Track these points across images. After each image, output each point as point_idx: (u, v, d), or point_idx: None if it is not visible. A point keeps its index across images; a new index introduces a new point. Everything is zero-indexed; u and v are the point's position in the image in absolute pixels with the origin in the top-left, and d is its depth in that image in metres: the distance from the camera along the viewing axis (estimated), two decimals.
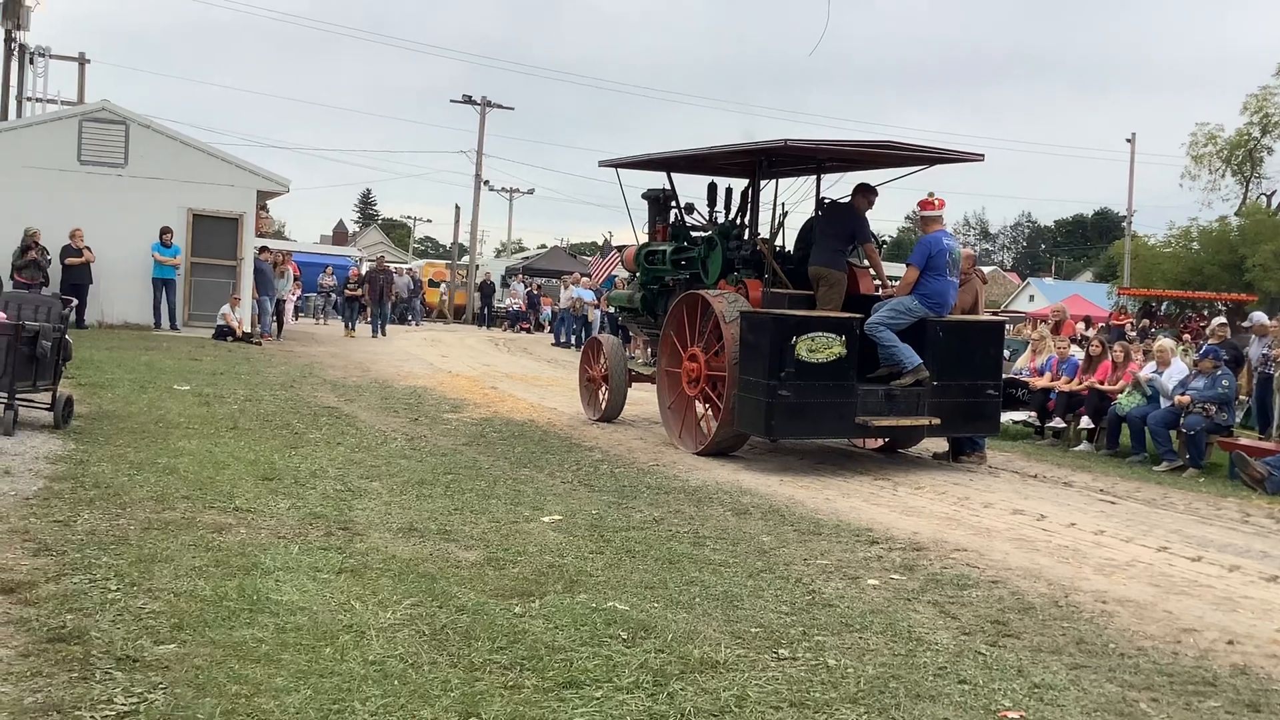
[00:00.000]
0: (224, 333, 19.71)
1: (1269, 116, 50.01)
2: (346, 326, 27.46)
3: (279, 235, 61.96)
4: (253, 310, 21.51)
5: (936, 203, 10.22)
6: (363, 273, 32.26)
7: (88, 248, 19.49)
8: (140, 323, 20.50)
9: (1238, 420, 13.00)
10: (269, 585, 4.99)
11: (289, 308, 26.18)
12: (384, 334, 26.43)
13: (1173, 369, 12.15)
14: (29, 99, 29.74)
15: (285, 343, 21.83)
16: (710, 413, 10.47)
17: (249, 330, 20.54)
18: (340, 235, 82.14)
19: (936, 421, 9.86)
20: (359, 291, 28.41)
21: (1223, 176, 52.80)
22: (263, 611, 4.64)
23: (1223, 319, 17.23)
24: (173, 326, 20.53)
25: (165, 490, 6.87)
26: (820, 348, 9.34)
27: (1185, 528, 8.17)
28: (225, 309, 20.22)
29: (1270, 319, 16.25)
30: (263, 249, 23.01)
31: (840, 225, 10.67)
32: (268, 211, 33.47)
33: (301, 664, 4.10)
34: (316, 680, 3.96)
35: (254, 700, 3.76)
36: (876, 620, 5.13)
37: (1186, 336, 23.78)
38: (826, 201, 11.13)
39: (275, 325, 22.75)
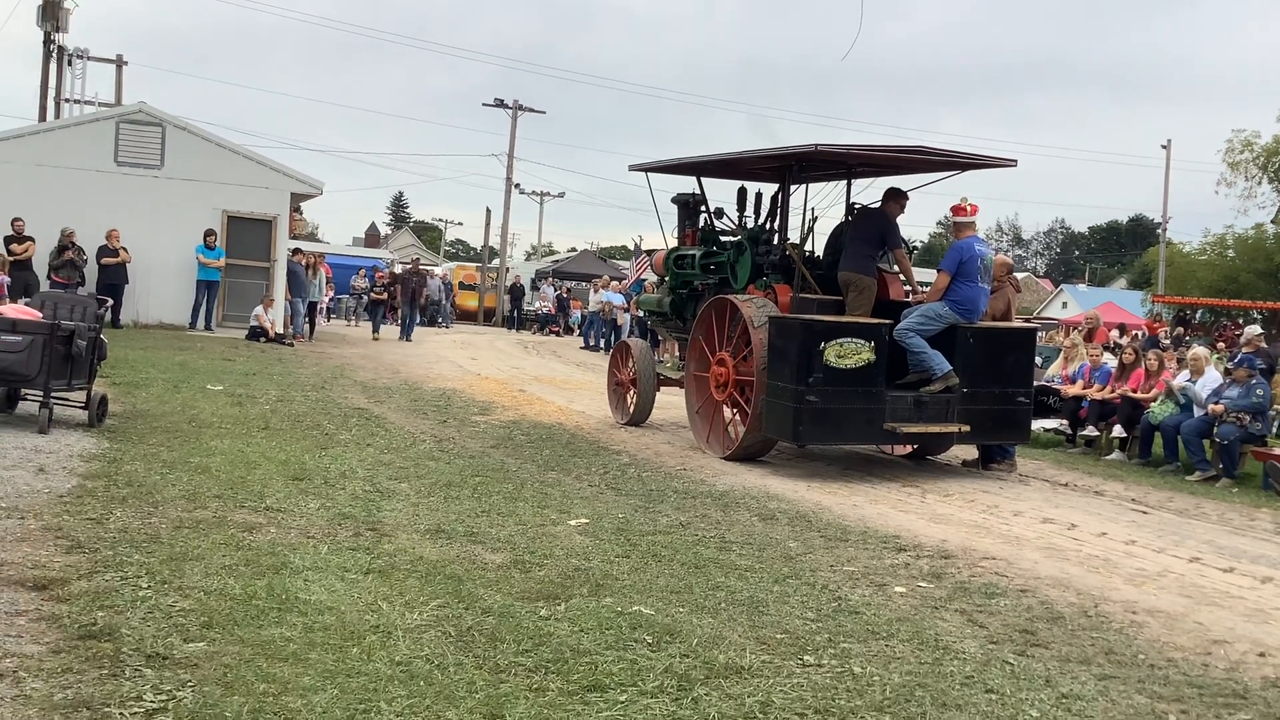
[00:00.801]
0: (257, 334, 19.87)
1: None
2: (374, 331, 26.69)
3: (312, 237, 62.37)
4: (285, 312, 21.66)
5: (969, 208, 10.16)
6: (391, 274, 32.22)
7: (124, 248, 19.71)
8: (175, 323, 20.70)
9: (1273, 430, 12.86)
10: (298, 585, 5.03)
11: (321, 309, 26.20)
12: (408, 339, 25.35)
13: (1207, 377, 12.03)
14: (67, 100, 30.10)
15: (317, 344, 21.98)
16: (738, 417, 10.46)
17: (281, 331, 20.69)
18: (372, 238, 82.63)
19: (966, 428, 9.81)
20: (384, 294, 28.06)
21: (1259, 184, 52.12)
22: (291, 611, 4.68)
23: (1257, 327, 17.06)
24: (207, 327, 20.72)
25: (197, 489, 6.94)
26: (849, 353, 9.31)
27: (1218, 538, 8.09)
28: (258, 310, 20.39)
29: None
30: (296, 251, 23.17)
31: (871, 230, 10.63)
32: (301, 213, 33.65)
33: (329, 663, 4.13)
34: (343, 680, 3.99)
35: (281, 699, 3.79)
36: (903, 628, 5.11)
37: (1221, 345, 23.54)
38: (857, 206, 11.10)
39: (307, 327, 22.91)
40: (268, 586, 4.97)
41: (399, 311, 28.18)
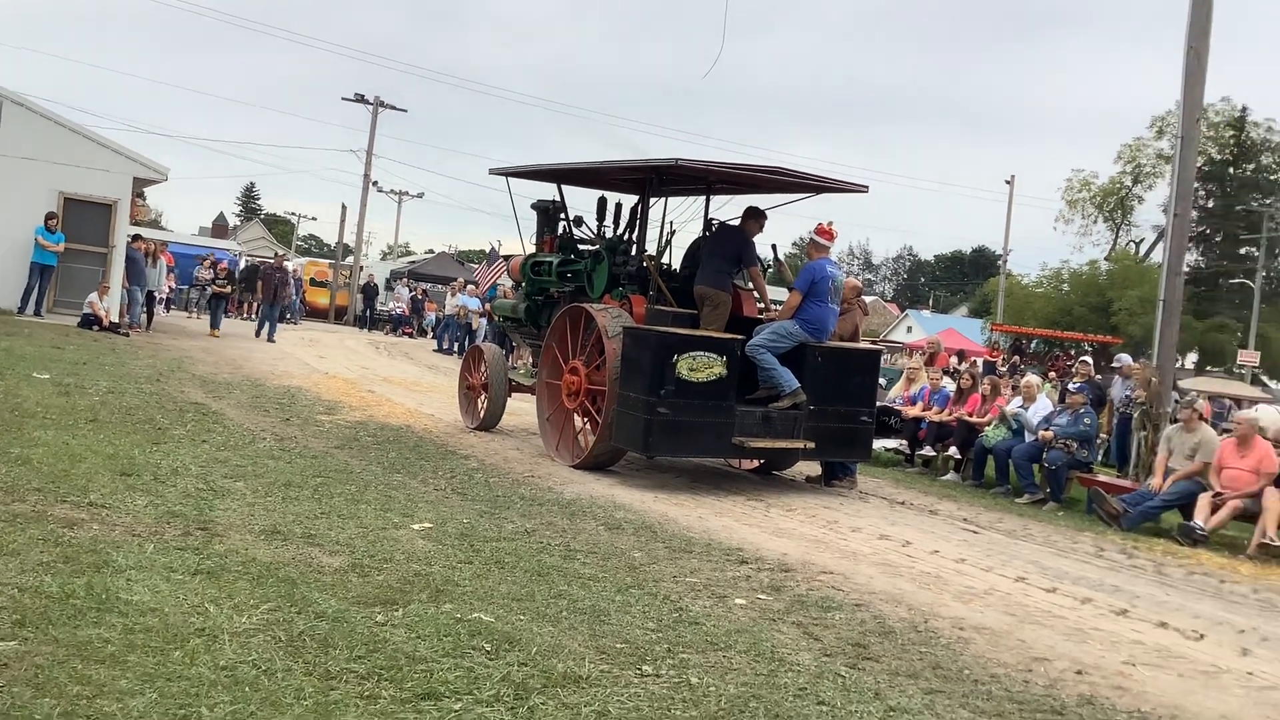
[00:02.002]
0: (90, 321, 19.01)
1: (1140, 167, 52.31)
2: (212, 326, 24.25)
3: (155, 224, 60.16)
4: (122, 300, 20.78)
5: (832, 233, 10.39)
6: (232, 268, 30.95)
7: None
8: (1, 307, 19.65)
9: (1098, 458, 13.48)
10: (119, 584, 4.81)
11: (160, 300, 25.04)
12: (272, 339, 23.40)
13: (1038, 405, 12.55)
14: None
15: (154, 335, 21.16)
16: (588, 426, 10.45)
17: (117, 320, 19.85)
18: (220, 228, 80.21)
19: (811, 445, 10.00)
20: (227, 288, 26.25)
21: (1095, 222, 55.04)
22: (111, 611, 4.46)
23: (1087, 358, 17.90)
24: (37, 313, 19.73)
25: (15, 481, 6.57)
26: (701, 367, 9.40)
27: (1042, 559, 8.41)
28: (93, 297, 19.51)
29: (1134, 362, 16.95)
30: (135, 237, 22.25)
31: (728, 247, 10.76)
32: (144, 199, 32.30)
33: (149, 666, 3.95)
34: (163, 684, 3.82)
35: (95, 702, 3.61)
36: (741, 639, 5.16)
37: (1053, 374, 24.60)
38: (716, 223, 11.23)
39: (145, 317, 22.02)
40: (87, 585, 4.73)
41: (253, 307, 26.78)
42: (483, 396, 12.28)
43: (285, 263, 28.38)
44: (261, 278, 25.62)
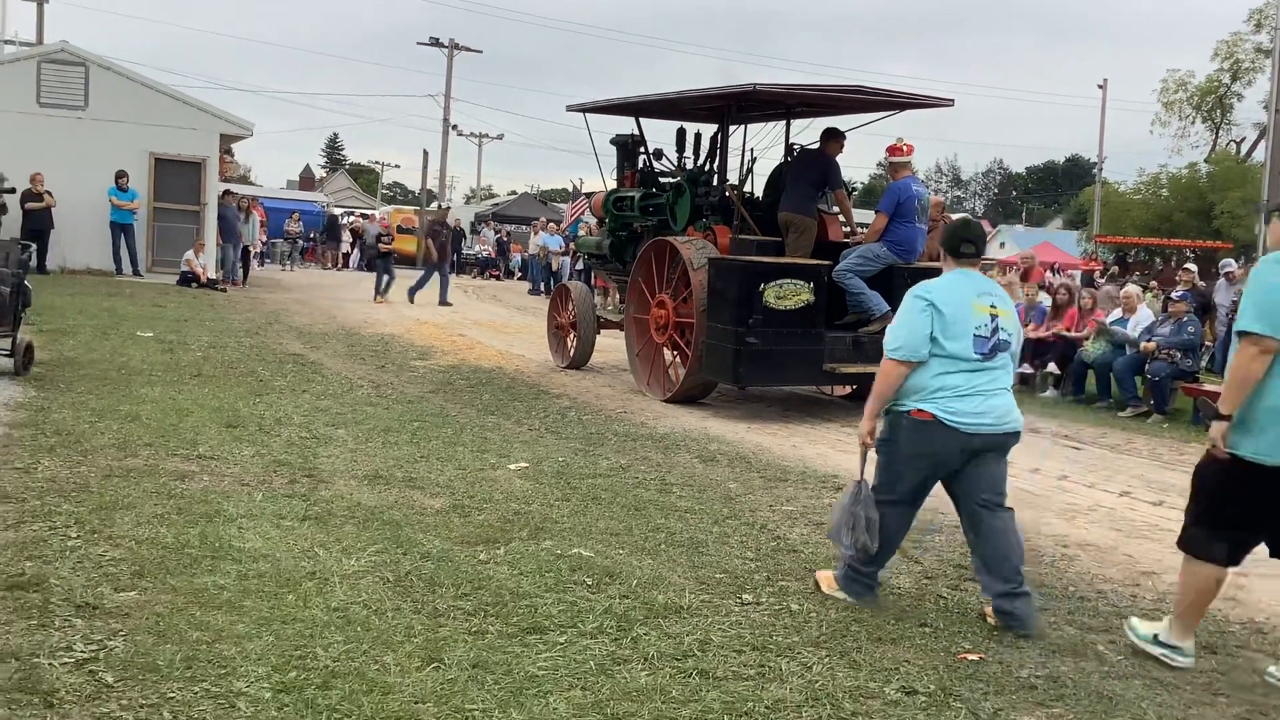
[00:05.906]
0: (188, 279, 19.47)
1: (1239, 63, 50.13)
2: (378, 291, 21.25)
3: (244, 180, 61.12)
4: (217, 256, 21.23)
5: (905, 149, 10.15)
6: (371, 224, 30.07)
7: (48, 192, 19.14)
8: (102, 268, 20.21)
9: (1202, 365, 13.12)
10: (232, 532, 4.97)
11: (254, 254, 25.32)
12: (446, 301, 21.00)
13: (1139, 315, 12.22)
14: None
15: (251, 289, 21.60)
16: (678, 360, 10.46)
17: (213, 276, 20.31)
18: (307, 180, 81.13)
19: None
20: (393, 246, 23.14)
21: (1193, 123, 53.00)
22: (225, 559, 4.62)
23: (1190, 265, 17.40)
24: (135, 272, 20.27)
25: (127, 437, 6.81)
26: (788, 295, 9.32)
27: (1147, 473, 8.25)
28: (189, 255, 19.95)
29: (1238, 266, 16.44)
30: (226, 193, 22.64)
31: (812, 171, 10.59)
32: (232, 155, 32.73)
33: (264, 611, 4.09)
34: (279, 627, 3.95)
35: (215, 647, 3.74)
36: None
37: (1154, 284, 23.91)
38: (797, 148, 11.06)
39: (241, 271, 22.48)
40: (201, 534, 4.90)
41: (339, 257, 26.13)
42: (571, 335, 12.34)
43: (449, 215, 24.56)
44: (430, 234, 22.66)
